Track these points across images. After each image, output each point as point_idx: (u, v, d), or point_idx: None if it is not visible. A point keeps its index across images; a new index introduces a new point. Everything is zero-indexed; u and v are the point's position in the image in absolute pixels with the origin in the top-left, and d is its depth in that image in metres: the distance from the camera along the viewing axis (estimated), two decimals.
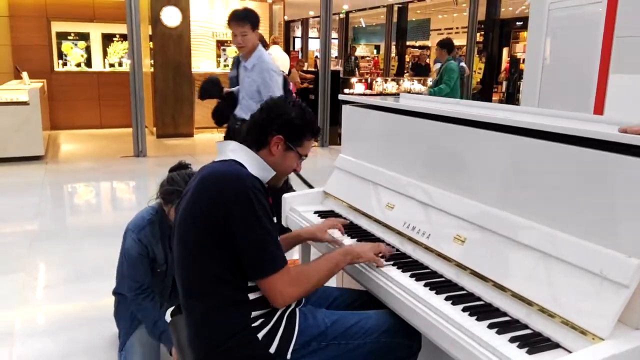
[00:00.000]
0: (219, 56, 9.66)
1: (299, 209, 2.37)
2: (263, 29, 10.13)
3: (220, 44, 9.61)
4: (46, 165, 6.82)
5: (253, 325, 1.51)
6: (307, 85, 9.77)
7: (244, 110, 3.56)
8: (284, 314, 1.56)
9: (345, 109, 2.52)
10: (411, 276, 1.66)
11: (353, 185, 2.33)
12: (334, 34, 16.23)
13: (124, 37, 8.82)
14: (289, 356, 1.53)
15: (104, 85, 9.38)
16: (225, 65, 9.71)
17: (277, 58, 9.12)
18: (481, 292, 1.54)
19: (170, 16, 8.24)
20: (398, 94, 8.87)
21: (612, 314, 1.22)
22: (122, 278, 2.39)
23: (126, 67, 9.22)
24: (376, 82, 9.60)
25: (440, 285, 1.61)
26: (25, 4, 8.89)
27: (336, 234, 2.02)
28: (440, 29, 18.98)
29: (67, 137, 8.90)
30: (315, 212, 2.33)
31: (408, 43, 17.54)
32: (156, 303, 2.33)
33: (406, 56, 17.21)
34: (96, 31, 9.45)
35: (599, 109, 2.47)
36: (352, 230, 2.10)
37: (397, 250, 1.88)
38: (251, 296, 1.51)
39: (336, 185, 2.44)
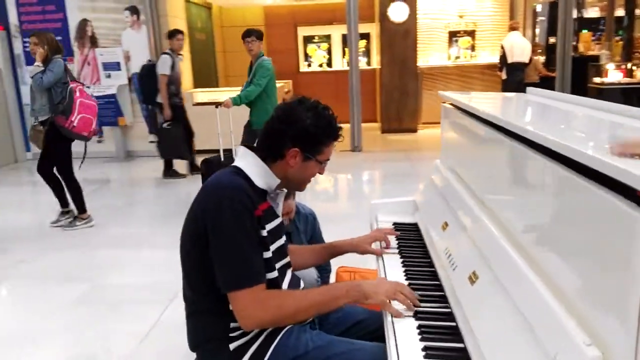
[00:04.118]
0: (450, 47, 9.32)
1: (380, 217, 2.20)
2: (502, 14, 9.39)
3: (453, 35, 9.25)
4: None
5: (231, 335, 1.48)
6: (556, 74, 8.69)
7: None
8: (264, 329, 1.50)
9: (443, 108, 2.22)
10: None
11: (433, 199, 2.06)
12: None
13: (362, 37, 9.24)
14: None
15: (342, 83, 10.01)
16: (456, 57, 9.33)
17: (515, 45, 8.34)
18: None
19: (398, 12, 8.31)
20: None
21: None
22: None
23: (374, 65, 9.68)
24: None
25: (433, 330, 1.32)
26: (277, 13, 10.15)
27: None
28: None
29: None
30: (394, 224, 2.13)
31: None
32: None
33: None
34: (337, 32, 10.15)
35: None
36: (408, 247, 1.86)
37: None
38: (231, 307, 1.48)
39: (424, 196, 2.19)
